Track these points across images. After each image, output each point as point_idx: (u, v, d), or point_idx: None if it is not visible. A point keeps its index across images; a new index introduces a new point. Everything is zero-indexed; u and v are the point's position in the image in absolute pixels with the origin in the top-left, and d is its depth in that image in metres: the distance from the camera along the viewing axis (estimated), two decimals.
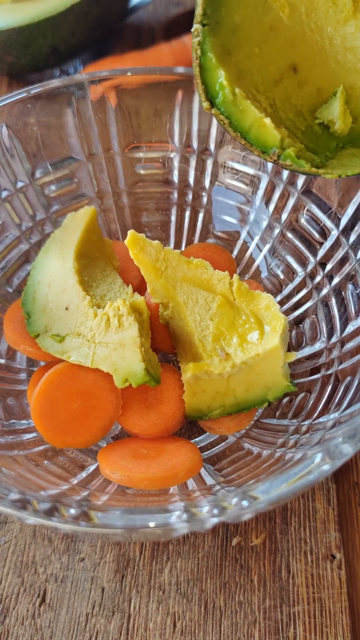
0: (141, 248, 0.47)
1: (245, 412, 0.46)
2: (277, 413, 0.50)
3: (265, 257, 0.58)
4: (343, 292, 0.50)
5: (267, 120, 0.41)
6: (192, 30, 0.42)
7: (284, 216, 0.55)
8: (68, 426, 0.45)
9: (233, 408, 0.46)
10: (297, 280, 0.55)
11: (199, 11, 0.42)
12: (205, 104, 0.43)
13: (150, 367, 0.44)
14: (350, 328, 0.48)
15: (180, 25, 0.88)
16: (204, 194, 0.59)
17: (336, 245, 0.51)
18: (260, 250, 0.58)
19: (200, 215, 0.61)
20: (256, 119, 0.41)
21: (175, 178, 0.59)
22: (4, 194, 0.54)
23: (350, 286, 0.50)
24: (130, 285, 0.51)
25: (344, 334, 0.49)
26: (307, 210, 0.53)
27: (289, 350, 0.54)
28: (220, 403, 0.46)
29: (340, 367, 0.47)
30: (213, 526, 0.34)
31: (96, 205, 0.59)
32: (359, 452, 0.51)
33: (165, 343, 0.50)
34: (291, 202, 0.54)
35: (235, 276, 0.48)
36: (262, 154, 0.41)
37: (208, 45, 0.42)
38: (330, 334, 0.50)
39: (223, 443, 0.50)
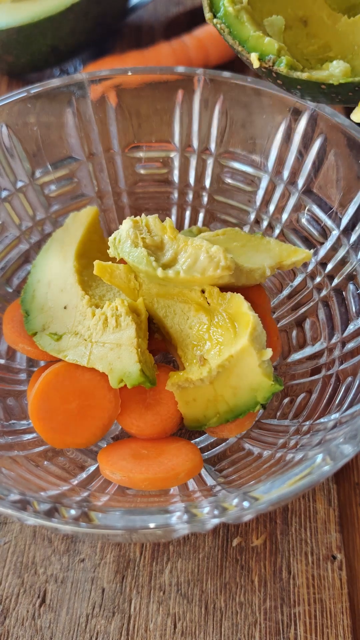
0: (110, 275, 0.47)
1: (242, 417, 0.45)
2: (278, 414, 0.50)
3: None
4: (344, 292, 0.50)
5: (267, 38, 0.42)
6: None
7: (285, 216, 0.55)
8: (67, 426, 0.45)
9: (228, 414, 0.45)
10: (298, 280, 0.55)
11: None
12: (208, 15, 0.43)
13: (145, 368, 0.44)
14: (351, 328, 0.48)
15: (180, 24, 0.88)
16: (204, 193, 0.59)
17: (337, 245, 0.51)
18: None
19: (201, 215, 0.61)
20: (256, 34, 0.42)
21: (176, 178, 0.59)
22: (4, 193, 0.54)
23: (351, 286, 0.49)
24: None
25: (345, 334, 0.49)
26: (308, 210, 0.53)
27: (288, 350, 0.54)
28: (214, 411, 0.46)
29: (341, 368, 0.47)
30: (214, 527, 0.34)
31: (96, 205, 0.59)
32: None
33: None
34: (292, 202, 0.54)
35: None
36: (259, 60, 0.41)
37: None
38: (331, 334, 0.50)
39: (224, 444, 0.49)
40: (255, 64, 0.42)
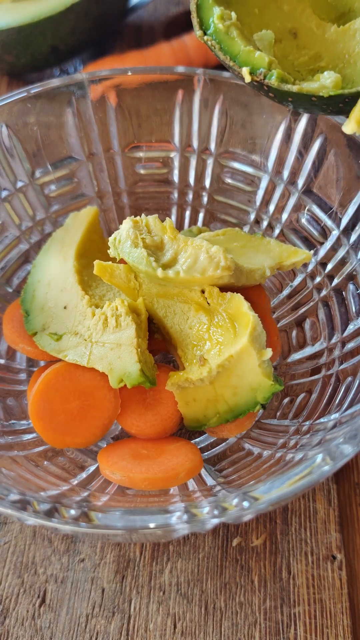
0: (110, 275, 0.47)
1: (242, 417, 0.45)
2: (278, 414, 0.50)
3: None
4: (344, 292, 0.50)
5: (257, 52, 0.42)
6: None
7: (284, 216, 0.55)
8: (67, 426, 0.45)
9: (228, 414, 0.45)
10: (298, 280, 0.55)
11: None
12: (199, 33, 0.44)
13: (145, 368, 0.44)
14: (351, 328, 0.48)
15: (180, 24, 0.88)
16: (204, 193, 0.59)
17: (337, 245, 0.51)
18: None
19: (201, 215, 0.61)
20: (246, 49, 0.43)
21: (176, 178, 0.59)
22: (4, 193, 0.54)
23: (350, 286, 0.49)
24: None
25: (345, 334, 0.49)
26: (308, 210, 0.53)
27: (288, 350, 0.54)
28: (214, 410, 0.46)
29: (341, 368, 0.47)
30: (214, 527, 0.34)
31: (96, 205, 0.59)
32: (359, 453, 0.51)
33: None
34: (292, 202, 0.54)
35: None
36: (250, 74, 0.42)
37: None
38: (330, 334, 0.50)
39: (223, 444, 0.49)
40: (247, 79, 0.42)
